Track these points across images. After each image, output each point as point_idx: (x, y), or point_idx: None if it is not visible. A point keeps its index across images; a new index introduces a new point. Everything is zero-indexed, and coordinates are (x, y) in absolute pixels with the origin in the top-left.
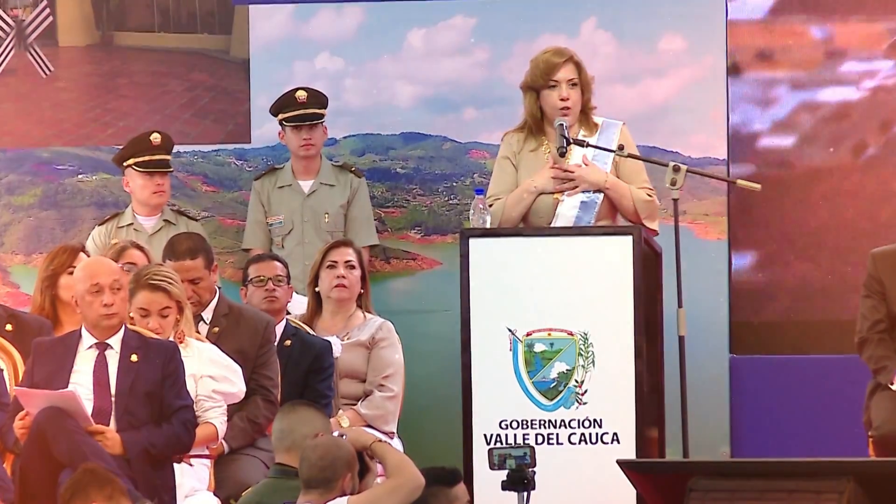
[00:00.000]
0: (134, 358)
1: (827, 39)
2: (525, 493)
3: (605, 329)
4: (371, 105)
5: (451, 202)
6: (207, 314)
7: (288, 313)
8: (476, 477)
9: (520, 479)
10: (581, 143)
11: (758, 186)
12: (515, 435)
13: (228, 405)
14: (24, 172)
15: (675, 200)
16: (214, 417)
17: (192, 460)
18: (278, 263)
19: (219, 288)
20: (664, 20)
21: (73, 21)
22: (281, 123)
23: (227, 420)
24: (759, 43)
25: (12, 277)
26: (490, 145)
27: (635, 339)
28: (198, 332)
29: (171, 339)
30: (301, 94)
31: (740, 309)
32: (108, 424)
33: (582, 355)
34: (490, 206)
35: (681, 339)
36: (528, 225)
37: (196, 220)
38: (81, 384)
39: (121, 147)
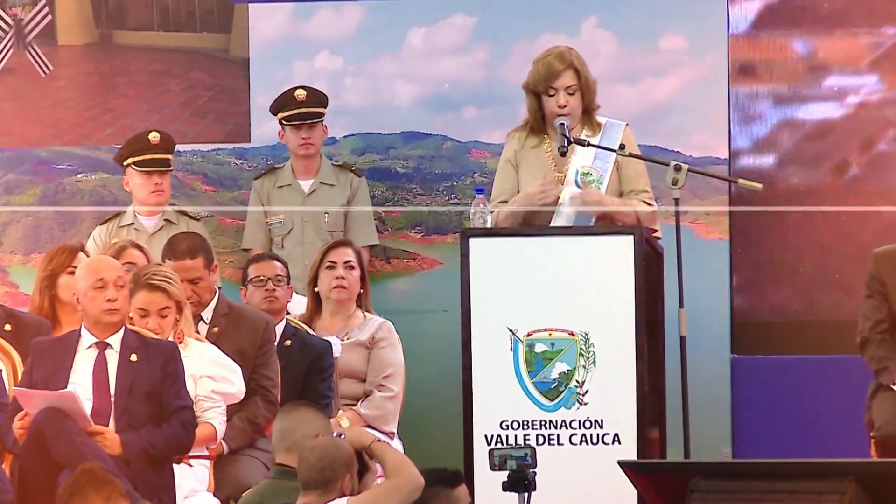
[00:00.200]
0: (133, 358)
1: (810, 55)
2: (526, 494)
3: (606, 329)
4: (371, 104)
5: (451, 202)
6: (207, 314)
7: (288, 313)
8: (477, 478)
9: (520, 480)
10: (582, 143)
11: (759, 186)
12: (516, 435)
13: (228, 405)
14: (23, 172)
15: (677, 200)
16: (213, 418)
17: (192, 461)
18: (278, 263)
19: (219, 288)
20: (665, 19)
21: (73, 20)
22: (280, 123)
23: (227, 420)
24: (741, 56)
25: (11, 277)
26: (490, 145)
27: (636, 340)
28: (197, 332)
29: (171, 339)
30: (300, 94)
31: (741, 309)
32: (107, 425)
33: (583, 355)
34: (491, 211)
35: (682, 339)
36: (528, 224)
37: (197, 220)
38: (80, 384)
39: (120, 146)
